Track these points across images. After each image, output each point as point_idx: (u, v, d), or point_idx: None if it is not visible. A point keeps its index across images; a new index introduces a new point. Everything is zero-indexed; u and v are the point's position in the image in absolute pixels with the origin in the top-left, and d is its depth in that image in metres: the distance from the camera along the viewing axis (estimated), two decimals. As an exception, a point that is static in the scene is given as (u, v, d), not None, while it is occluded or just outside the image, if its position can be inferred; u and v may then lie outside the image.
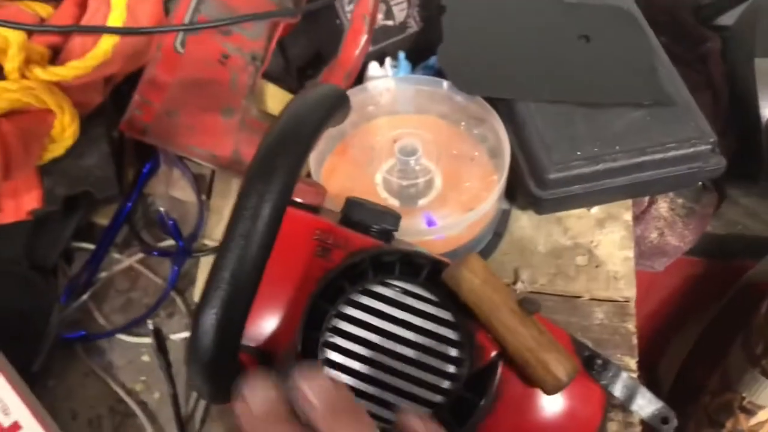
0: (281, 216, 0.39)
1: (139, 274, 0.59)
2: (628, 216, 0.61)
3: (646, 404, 0.49)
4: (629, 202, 0.62)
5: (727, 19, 0.93)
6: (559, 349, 0.44)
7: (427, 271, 0.45)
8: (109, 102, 0.60)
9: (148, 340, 0.55)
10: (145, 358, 0.55)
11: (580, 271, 0.58)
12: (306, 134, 0.41)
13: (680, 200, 0.86)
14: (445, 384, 0.42)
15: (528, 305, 0.45)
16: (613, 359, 0.53)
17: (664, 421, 0.49)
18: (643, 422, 0.52)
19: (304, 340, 0.45)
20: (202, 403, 0.53)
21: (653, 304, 0.98)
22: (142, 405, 0.53)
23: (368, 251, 0.46)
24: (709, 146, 0.57)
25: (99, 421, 0.53)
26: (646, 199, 0.86)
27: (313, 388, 0.29)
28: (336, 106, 0.45)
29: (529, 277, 0.58)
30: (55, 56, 0.56)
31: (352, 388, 0.42)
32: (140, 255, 0.59)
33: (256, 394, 0.29)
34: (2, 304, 0.54)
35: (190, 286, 0.58)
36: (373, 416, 0.42)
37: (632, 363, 0.55)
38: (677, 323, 1.00)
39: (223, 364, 0.38)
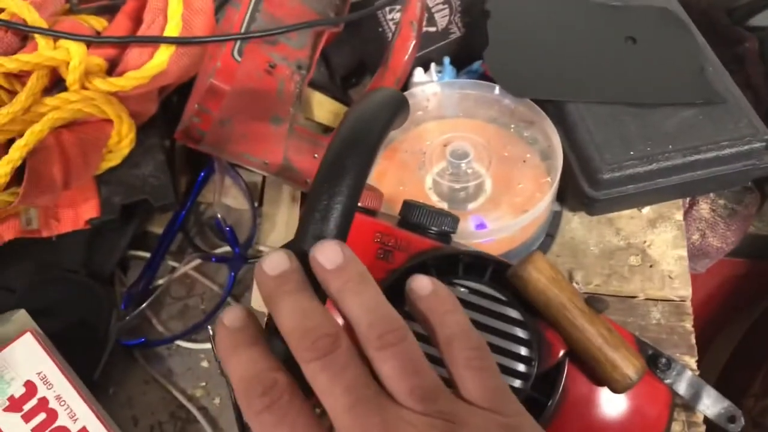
0: (351, 217, 0.38)
1: (195, 281, 0.59)
2: (679, 216, 0.61)
3: (712, 403, 0.49)
4: (680, 201, 0.62)
5: (763, 19, 0.93)
6: (627, 348, 0.44)
7: (491, 270, 0.45)
8: (161, 113, 0.61)
9: (206, 346, 0.56)
10: (204, 364, 0.56)
11: (634, 272, 0.58)
12: (373, 136, 0.41)
13: (721, 201, 0.86)
14: (517, 383, 0.42)
15: (596, 304, 0.45)
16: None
17: (731, 420, 0.49)
18: (707, 422, 0.52)
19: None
20: (263, 408, 0.53)
21: (694, 305, 0.98)
22: (203, 410, 0.54)
23: (430, 252, 0.47)
24: (763, 143, 0.57)
25: (160, 427, 0.53)
26: (687, 201, 0.85)
27: (325, 254, 0.31)
28: (399, 109, 0.45)
29: (583, 278, 0.58)
30: (111, 69, 0.57)
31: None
32: (196, 262, 0.59)
33: (274, 260, 0.31)
34: (63, 311, 0.55)
35: (246, 291, 0.59)
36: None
37: (692, 362, 0.54)
38: (718, 325, 0.99)
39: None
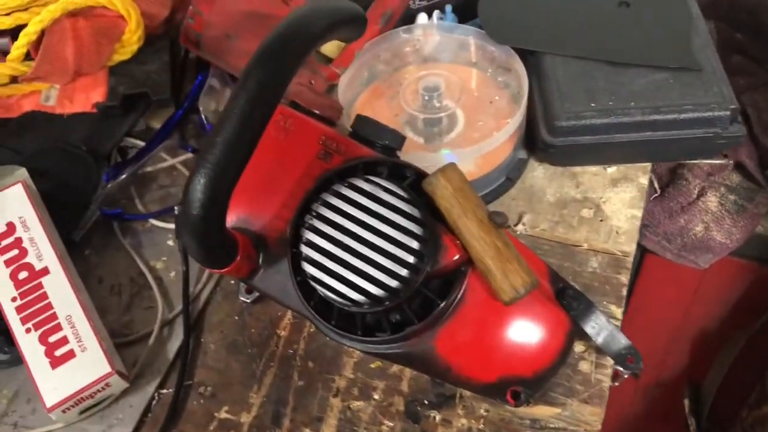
0: (275, 102, 0.43)
1: (181, 174, 0.66)
2: (644, 179, 0.62)
3: (613, 341, 0.50)
4: (648, 166, 0.63)
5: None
6: (520, 262, 0.46)
7: (412, 178, 0.49)
8: (178, 22, 0.68)
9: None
10: (170, 242, 0.62)
11: (583, 223, 0.60)
12: (309, 35, 0.45)
13: (732, 197, 0.84)
14: (404, 272, 0.45)
15: (496, 217, 0.47)
16: (599, 306, 0.54)
17: (629, 360, 0.50)
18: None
19: (295, 227, 0.50)
20: (210, 286, 0.59)
21: (701, 308, 0.96)
22: (158, 280, 0.59)
23: (364, 158, 0.51)
24: (728, 112, 0.57)
25: (119, 288, 0.60)
26: (695, 190, 0.85)
27: None
28: (346, 21, 0.49)
29: (530, 221, 0.60)
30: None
31: (323, 266, 0.46)
32: (184, 157, 0.65)
33: None
34: (57, 176, 0.62)
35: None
36: (335, 291, 0.46)
37: (618, 312, 0.55)
38: (725, 332, 0.96)
39: (210, 225, 0.43)
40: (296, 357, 0.55)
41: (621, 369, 0.51)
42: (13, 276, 0.55)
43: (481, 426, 0.51)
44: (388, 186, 0.47)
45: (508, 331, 0.48)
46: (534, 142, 0.63)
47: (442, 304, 0.47)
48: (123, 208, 0.63)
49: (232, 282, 0.59)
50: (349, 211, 0.47)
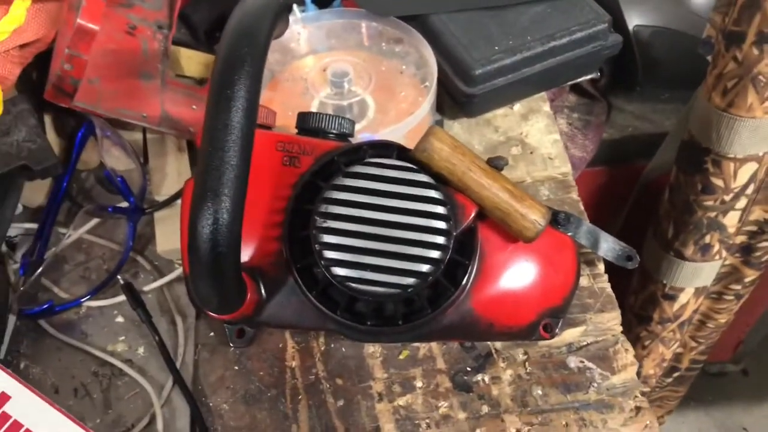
0: (255, 119, 0.39)
1: (92, 244, 0.57)
2: (546, 107, 0.66)
3: (609, 247, 0.54)
4: (545, 95, 0.67)
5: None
6: (531, 197, 0.47)
7: (396, 152, 0.47)
8: (27, 80, 0.58)
9: (118, 299, 0.53)
10: (120, 319, 0.53)
11: (518, 160, 0.62)
12: (262, 36, 0.42)
13: (575, 115, 0.93)
14: (440, 240, 0.44)
15: (496, 162, 0.48)
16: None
17: (629, 258, 0.54)
18: (607, 271, 0.57)
19: (291, 243, 0.46)
20: (190, 348, 0.52)
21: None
22: (128, 363, 0.51)
23: (335, 150, 0.48)
24: (605, 24, 0.63)
25: (85, 388, 0.50)
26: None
27: None
28: (282, 10, 0.46)
29: (474, 172, 0.61)
30: (-39, 34, 0.53)
31: (352, 263, 0.43)
32: (91, 223, 0.57)
33: None
34: (-48, 294, 0.51)
35: (148, 244, 0.57)
36: (377, 283, 0.43)
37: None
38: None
39: (229, 264, 0.38)
40: (321, 380, 0.51)
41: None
42: (-37, 419, 0.43)
43: (529, 369, 0.51)
44: (389, 163, 0.45)
45: (533, 267, 0.49)
46: (443, 104, 0.64)
47: (472, 263, 0.47)
48: (44, 301, 0.53)
49: (211, 334, 0.53)
50: (363, 200, 0.44)
